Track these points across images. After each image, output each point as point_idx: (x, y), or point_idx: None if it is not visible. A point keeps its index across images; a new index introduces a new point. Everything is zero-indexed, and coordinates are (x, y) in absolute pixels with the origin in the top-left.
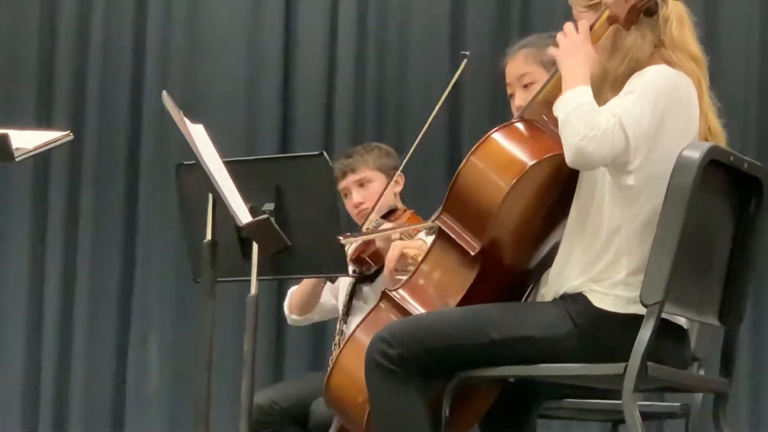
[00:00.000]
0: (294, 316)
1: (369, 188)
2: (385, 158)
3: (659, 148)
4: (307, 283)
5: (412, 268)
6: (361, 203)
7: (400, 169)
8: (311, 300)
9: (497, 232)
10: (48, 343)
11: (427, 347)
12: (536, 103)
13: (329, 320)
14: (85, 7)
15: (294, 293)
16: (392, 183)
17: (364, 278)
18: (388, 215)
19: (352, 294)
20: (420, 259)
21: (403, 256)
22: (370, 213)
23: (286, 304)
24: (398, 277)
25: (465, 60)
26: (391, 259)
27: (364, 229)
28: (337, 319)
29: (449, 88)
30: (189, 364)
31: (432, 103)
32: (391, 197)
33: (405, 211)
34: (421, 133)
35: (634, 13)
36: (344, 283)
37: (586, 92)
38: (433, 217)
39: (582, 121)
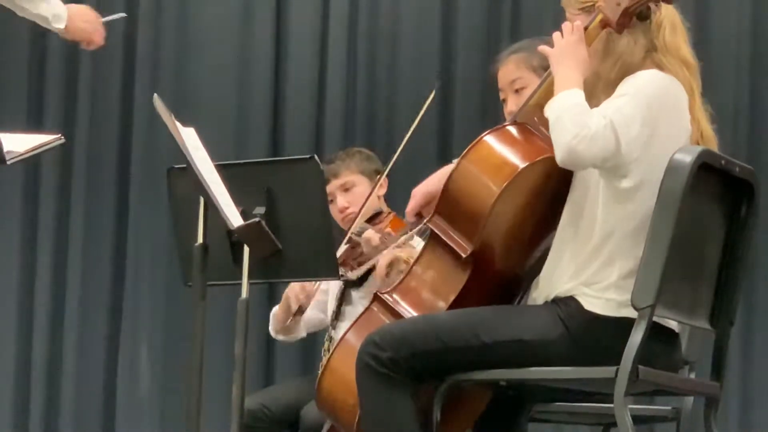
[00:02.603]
0: (281, 337)
1: (353, 192)
2: (366, 162)
3: (652, 152)
4: (282, 306)
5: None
6: (347, 208)
7: (384, 174)
8: (291, 320)
9: (489, 234)
10: (39, 346)
11: (418, 350)
12: (528, 107)
13: None
14: None
15: (274, 317)
16: (377, 187)
17: (352, 283)
18: (373, 219)
19: (341, 300)
20: (411, 262)
21: (392, 264)
22: (356, 218)
23: (270, 326)
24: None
25: (434, 91)
26: (381, 266)
27: (350, 234)
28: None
29: (418, 118)
30: (179, 368)
31: (421, 108)
32: (375, 201)
33: (389, 213)
34: (398, 151)
35: (626, 17)
36: (333, 289)
37: (578, 94)
38: (424, 220)
39: (573, 121)
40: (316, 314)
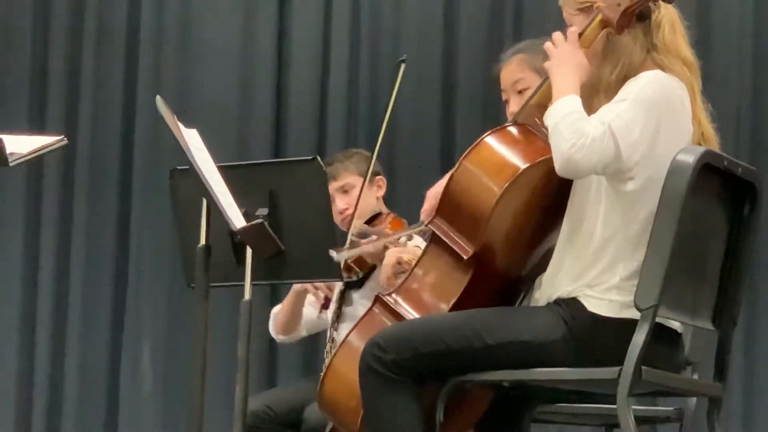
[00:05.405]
0: (281, 337)
1: (352, 194)
2: (365, 163)
3: (655, 154)
4: (288, 301)
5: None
6: (346, 209)
7: (370, 171)
8: (294, 318)
9: (490, 236)
10: (41, 346)
11: (420, 352)
12: (529, 107)
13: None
14: (78, 11)
15: (277, 314)
16: (374, 188)
17: (352, 284)
18: (372, 220)
19: (341, 301)
20: (414, 263)
21: (398, 263)
22: (351, 219)
23: (270, 326)
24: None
25: (402, 65)
26: (387, 264)
27: (349, 235)
28: (327, 327)
29: (393, 95)
30: (182, 369)
31: (424, 109)
32: (374, 202)
33: (389, 215)
34: (380, 137)
35: (626, 17)
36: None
37: (575, 101)
38: (425, 222)
39: (570, 129)
40: (314, 312)
